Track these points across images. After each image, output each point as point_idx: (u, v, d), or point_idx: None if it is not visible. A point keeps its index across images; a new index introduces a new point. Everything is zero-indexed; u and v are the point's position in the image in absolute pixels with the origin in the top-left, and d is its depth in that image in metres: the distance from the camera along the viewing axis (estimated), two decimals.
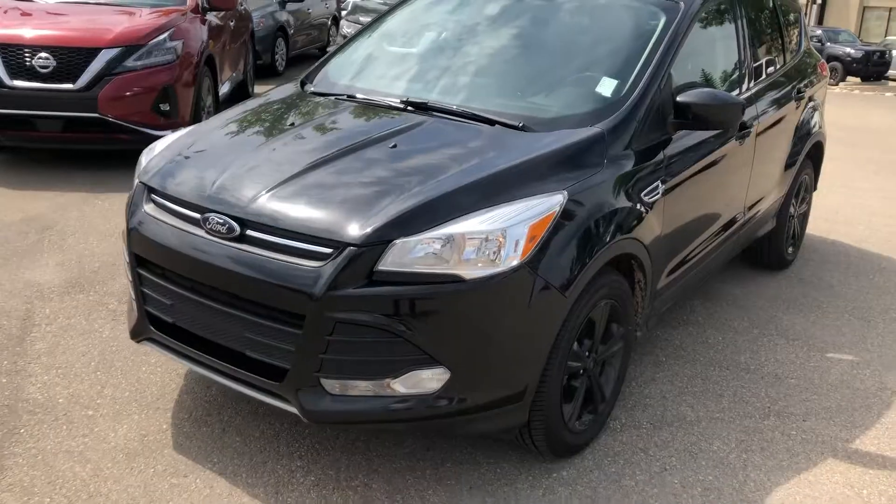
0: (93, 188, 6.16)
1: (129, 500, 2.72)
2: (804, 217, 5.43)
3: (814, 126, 5.07)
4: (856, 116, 13.52)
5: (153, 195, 2.97)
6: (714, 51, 3.91)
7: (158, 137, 6.37)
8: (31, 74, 6.16)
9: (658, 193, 3.17)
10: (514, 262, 2.54)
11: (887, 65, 27.49)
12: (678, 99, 3.26)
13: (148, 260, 2.90)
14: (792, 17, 5.05)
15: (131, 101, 6.32)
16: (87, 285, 4.39)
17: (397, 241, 2.48)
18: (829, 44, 27.07)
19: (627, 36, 3.54)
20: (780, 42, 4.71)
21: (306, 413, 2.58)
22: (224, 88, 8.24)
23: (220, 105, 7.79)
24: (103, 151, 6.85)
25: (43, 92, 6.18)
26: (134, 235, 2.92)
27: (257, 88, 10.65)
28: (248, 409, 3.26)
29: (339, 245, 2.50)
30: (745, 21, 4.16)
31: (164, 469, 2.88)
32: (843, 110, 13.69)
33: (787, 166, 4.75)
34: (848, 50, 26.73)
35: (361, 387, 2.56)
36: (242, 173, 2.83)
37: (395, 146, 2.93)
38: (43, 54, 6.15)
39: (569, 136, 2.98)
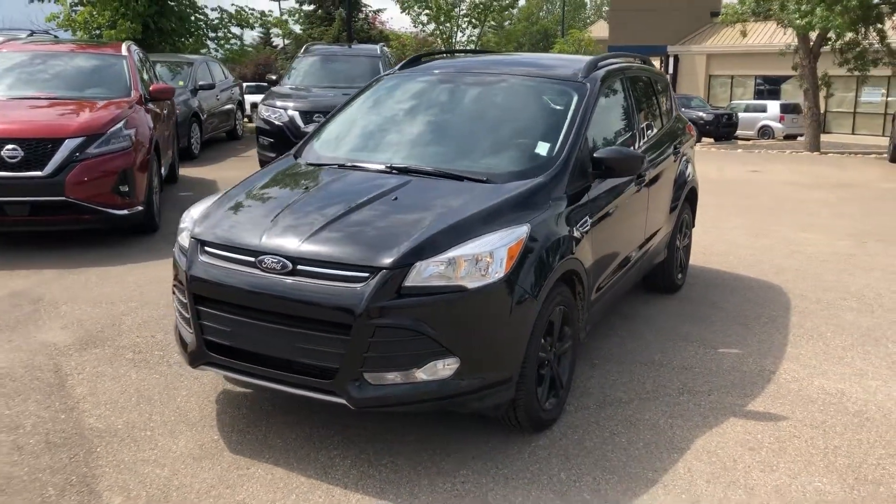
0: (64, 264, 6.71)
1: (209, 487, 3.42)
2: (687, 249, 6.63)
3: (688, 175, 6.31)
4: (716, 170, 15.35)
5: (206, 247, 3.74)
6: (612, 118, 5.04)
7: (118, 217, 7.13)
8: (0, 164, 6.71)
9: (587, 225, 4.19)
10: (500, 275, 3.47)
11: (735, 126, 30.60)
12: (595, 155, 4.33)
13: (207, 298, 3.65)
14: (661, 87, 6.30)
15: (94, 184, 6.95)
16: (98, 342, 5.00)
17: (416, 264, 3.38)
18: (683, 109, 29.88)
19: (551, 110, 4.61)
20: (657, 109, 5.94)
21: (354, 401, 3.38)
22: (164, 170, 8.91)
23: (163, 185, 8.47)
24: (65, 231, 7.39)
25: (11, 180, 6.73)
26: (193, 280, 3.68)
27: (180, 171, 11.31)
28: (280, 420, 4.00)
29: (373, 270, 3.36)
30: (631, 93, 5.34)
31: (228, 465, 3.60)
32: (704, 165, 15.48)
33: (672, 208, 5.93)
34: (700, 114, 29.57)
35: (394, 377, 3.40)
36: (283, 224, 3.66)
37: (396, 199, 3.84)
38: (10, 146, 6.73)
39: (523, 185, 3.98)
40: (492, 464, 3.65)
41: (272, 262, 3.50)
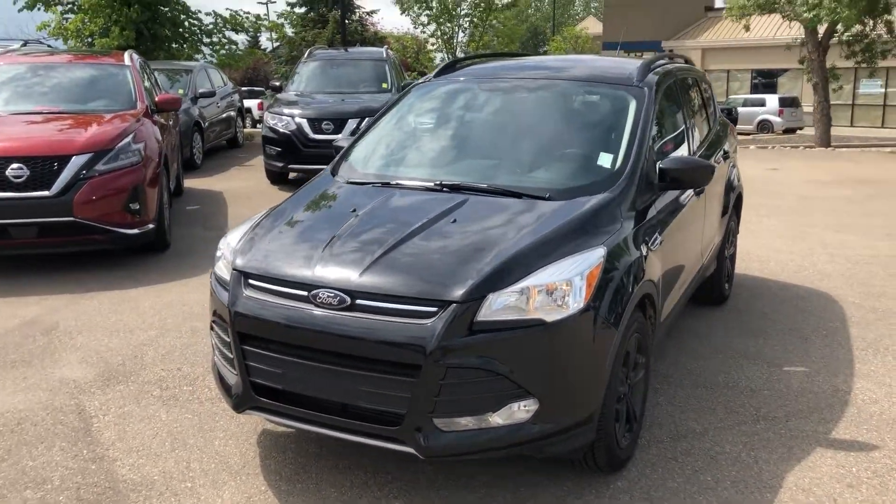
0: (75, 289, 6.34)
1: None
2: (733, 257, 6.31)
3: (735, 180, 5.99)
4: None
5: (251, 280, 3.39)
6: (669, 124, 4.71)
7: (129, 236, 6.76)
8: (4, 185, 6.34)
9: (658, 242, 3.86)
10: (581, 305, 3.13)
11: (735, 120, 30.20)
12: (660, 165, 3.99)
13: (254, 336, 3.30)
14: (706, 87, 5.98)
15: (104, 203, 6.58)
16: (121, 377, 4.64)
17: (488, 297, 3.03)
18: None
19: (610, 118, 4.27)
20: (705, 111, 5.61)
21: (423, 450, 3.03)
22: (172, 184, 8.54)
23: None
24: (73, 253, 7.02)
25: (17, 201, 6.35)
26: (238, 317, 3.32)
27: (185, 183, 10.94)
28: (331, 465, 3.66)
29: (443, 303, 3.01)
30: (683, 98, 5.00)
31: None
32: None
33: (722, 215, 5.60)
34: None
35: (466, 422, 3.05)
36: (336, 254, 3.31)
37: (455, 221, 3.49)
38: (15, 165, 6.35)
39: (590, 202, 3.63)
40: None
41: (328, 296, 3.14)
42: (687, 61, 5.76)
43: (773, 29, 30.77)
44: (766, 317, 5.81)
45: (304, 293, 3.21)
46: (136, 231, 6.86)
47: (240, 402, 3.40)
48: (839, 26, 16.44)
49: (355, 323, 3.09)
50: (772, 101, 32.30)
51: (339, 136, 4.32)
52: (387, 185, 4.03)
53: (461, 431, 3.06)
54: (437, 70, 5.01)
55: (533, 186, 3.80)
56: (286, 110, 10.94)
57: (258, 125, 24.11)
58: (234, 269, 3.47)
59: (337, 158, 4.48)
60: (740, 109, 31.44)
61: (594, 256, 3.27)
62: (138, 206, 6.83)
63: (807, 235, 8.41)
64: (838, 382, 4.63)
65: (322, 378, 3.17)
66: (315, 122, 10.69)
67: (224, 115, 14.37)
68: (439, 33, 20.07)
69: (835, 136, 19.31)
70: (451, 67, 5.05)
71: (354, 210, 3.70)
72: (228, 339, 3.40)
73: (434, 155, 4.35)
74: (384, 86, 11.94)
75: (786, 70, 36.80)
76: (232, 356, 3.39)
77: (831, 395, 4.47)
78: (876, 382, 4.62)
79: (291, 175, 11.49)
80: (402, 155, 4.46)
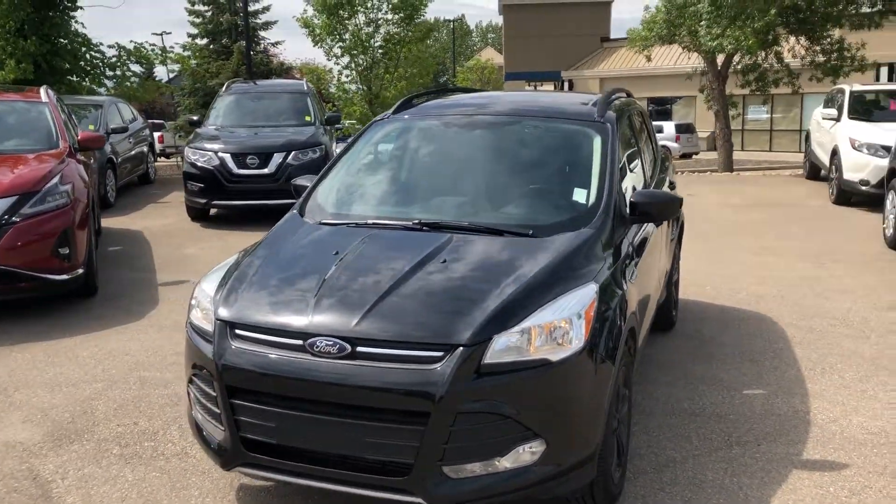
0: (2, 341, 5.94)
1: None
2: (678, 284, 6.47)
3: None
4: None
5: (237, 330, 3.24)
6: (628, 157, 4.81)
7: (59, 283, 6.41)
8: None
9: (634, 275, 3.91)
10: (581, 343, 3.12)
11: None
12: (632, 199, 4.06)
13: (244, 389, 3.15)
14: (646, 118, 6.15)
15: (31, 248, 6.22)
16: (73, 436, 4.35)
17: (493, 338, 3.00)
18: None
19: (578, 154, 4.32)
20: (650, 141, 5.77)
21: (432, 499, 2.95)
22: (97, 226, 8.15)
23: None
24: None
25: None
26: (225, 369, 3.17)
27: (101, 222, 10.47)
28: None
29: (449, 347, 2.96)
30: (635, 131, 5.13)
31: None
32: None
33: (670, 241, 5.74)
34: None
35: (474, 468, 2.99)
36: (329, 300, 3.20)
37: (445, 261, 3.44)
38: None
39: (574, 238, 3.65)
40: None
41: (326, 344, 3.04)
42: (628, 94, 5.91)
43: (670, 59, 32.11)
44: (713, 341, 5.97)
45: (300, 342, 3.09)
46: (65, 277, 6.51)
47: (229, 460, 3.23)
48: (736, 56, 17.32)
49: (357, 371, 2.99)
50: (669, 127, 33.66)
51: (300, 178, 4.20)
52: (362, 225, 3.94)
53: (469, 478, 3.00)
54: (395, 107, 4.96)
55: (514, 224, 3.80)
56: (208, 145, 10.65)
57: (159, 159, 23.36)
58: (217, 320, 3.31)
59: (303, 198, 4.37)
60: None
61: (589, 293, 3.28)
62: (68, 251, 6.48)
63: (733, 259, 8.73)
64: (796, 403, 4.79)
65: (321, 430, 3.05)
66: (239, 157, 10.44)
67: (136, 151, 13.88)
68: (354, 65, 20.04)
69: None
70: (408, 104, 5.01)
71: (337, 252, 3.60)
72: (214, 393, 3.23)
73: (406, 193, 4.30)
74: (307, 119, 11.79)
75: (679, 98, 38.49)
76: (218, 411, 3.23)
77: (793, 416, 4.61)
78: (830, 401, 4.80)
79: (213, 211, 11.17)
80: (372, 193, 4.39)
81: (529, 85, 41.79)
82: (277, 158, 10.44)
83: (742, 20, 15.03)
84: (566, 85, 41.50)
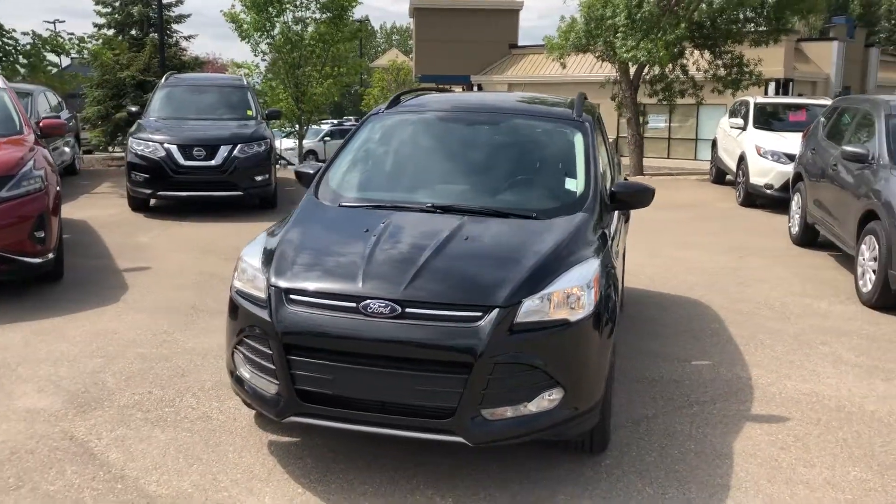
0: None
1: None
2: (622, 271, 7.14)
3: None
4: None
5: (292, 296, 3.63)
6: (601, 153, 5.40)
7: (34, 266, 6.54)
8: None
9: (615, 254, 4.50)
10: (592, 307, 3.68)
11: None
12: (613, 189, 4.66)
13: (301, 346, 3.55)
14: (602, 123, 6.77)
15: (10, 231, 6.32)
16: (93, 403, 4.61)
17: (523, 301, 3.51)
18: None
19: (564, 148, 4.88)
20: (606, 139, 6.39)
21: (472, 437, 3.44)
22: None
23: None
24: None
25: None
26: (283, 330, 3.56)
27: None
28: (350, 465, 3.93)
29: (488, 308, 3.46)
30: (602, 130, 5.74)
31: None
32: None
33: (626, 230, 6.39)
34: None
35: (507, 411, 3.50)
36: (376, 269, 3.65)
37: (467, 238, 3.92)
38: None
39: (573, 220, 4.20)
40: (581, 487, 3.82)
41: (378, 306, 3.48)
42: (585, 98, 6.54)
43: (579, 67, 33.35)
44: (657, 321, 6.67)
45: (353, 304, 3.52)
46: (39, 260, 6.62)
47: (283, 410, 3.62)
48: (647, 68, 18.42)
49: (406, 329, 3.45)
50: None
51: (302, 165, 4.60)
52: (381, 207, 4.37)
53: (503, 420, 3.50)
54: (388, 102, 5.37)
55: (519, 208, 4.32)
56: (153, 136, 10.73)
57: None
58: (272, 286, 3.69)
59: (316, 183, 4.74)
60: None
61: (594, 266, 3.84)
62: (43, 235, 6.60)
63: (660, 252, 9.52)
64: (738, 371, 5.50)
65: (372, 380, 3.49)
66: (186, 149, 10.57)
67: (64, 141, 13.67)
68: (281, 64, 20.12)
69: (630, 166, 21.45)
70: (397, 100, 5.45)
71: (367, 230, 4.03)
72: (269, 351, 3.62)
73: (414, 180, 4.75)
74: (249, 113, 11.99)
75: None
76: (273, 367, 3.61)
77: (737, 381, 5.31)
78: (767, 370, 5.54)
79: (153, 202, 11.24)
80: (382, 180, 4.83)
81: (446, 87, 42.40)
82: (224, 151, 10.62)
83: (655, 34, 16.11)
84: (475, 89, 42.40)
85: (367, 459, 3.99)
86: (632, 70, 19.07)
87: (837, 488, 3.89)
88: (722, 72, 19.63)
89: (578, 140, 4.87)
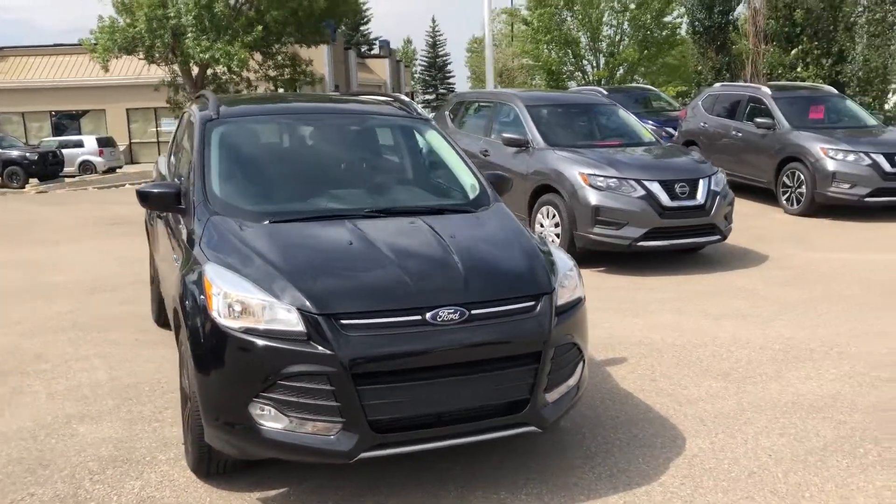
0: None
1: None
2: None
3: None
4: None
5: (345, 320, 3.24)
6: None
7: None
8: None
9: None
10: (582, 285, 4.01)
11: (61, 163, 29.02)
12: (490, 178, 4.88)
13: (370, 374, 3.21)
14: None
15: None
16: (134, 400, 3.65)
17: (557, 286, 3.71)
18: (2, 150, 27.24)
19: (423, 146, 4.95)
20: None
21: (543, 423, 3.55)
22: None
23: None
24: None
25: None
26: (350, 360, 3.18)
27: None
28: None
29: (538, 296, 3.58)
30: None
31: None
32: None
33: None
34: (24, 153, 27.30)
35: (560, 390, 3.67)
36: (418, 279, 3.45)
37: (453, 236, 3.83)
38: None
39: (500, 211, 4.33)
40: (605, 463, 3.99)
41: (448, 313, 3.35)
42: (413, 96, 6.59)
43: (82, 71, 30.79)
44: None
45: (419, 317, 3.31)
46: None
47: (357, 448, 3.22)
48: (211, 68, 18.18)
49: (477, 331, 3.38)
50: (90, 142, 32.16)
51: (145, 185, 3.71)
52: (314, 219, 3.98)
53: (557, 399, 3.66)
54: (213, 107, 4.69)
55: (451, 204, 4.39)
56: None
57: None
58: (311, 314, 3.24)
59: (203, 200, 4.03)
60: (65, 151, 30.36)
61: (563, 254, 4.15)
62: None
63: None
64: (712, 330, 6.13)
65: (447, 392, 3.34)
66: None
67: None
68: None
69: (147, 172, 20.87)
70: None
71: (351, 243, 3.71)
72: (329, 387, 3.19)
73: (319, 188, 4.37)
74: None
75: (87, 111, 37.09)
76: (336, 404, 3.19)
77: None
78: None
79: None
80: (285, 189, 4.35)
81: None
82: None
83: (230, 35, 15.99)
84: None
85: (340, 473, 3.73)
86: (194, 71, 18.62)
87: (712, 400, 4.85)
88: (273, 72, 20.34)
89: (436, 137, 4.97)
